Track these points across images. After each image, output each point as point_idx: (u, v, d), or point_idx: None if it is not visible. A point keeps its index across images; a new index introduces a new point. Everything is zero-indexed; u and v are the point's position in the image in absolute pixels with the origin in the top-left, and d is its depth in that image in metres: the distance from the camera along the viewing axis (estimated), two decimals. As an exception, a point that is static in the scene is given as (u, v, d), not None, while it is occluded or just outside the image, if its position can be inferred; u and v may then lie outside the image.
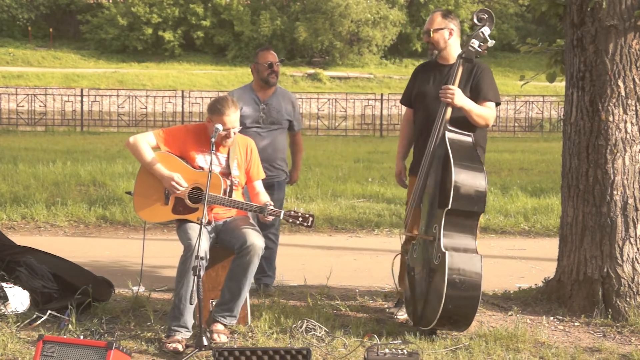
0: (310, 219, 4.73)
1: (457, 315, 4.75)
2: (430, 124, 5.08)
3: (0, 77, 35.62)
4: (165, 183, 4.87)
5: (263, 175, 5.26)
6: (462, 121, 5.02)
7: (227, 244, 4.91)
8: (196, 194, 4.88)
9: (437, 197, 4.89)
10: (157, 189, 4.95)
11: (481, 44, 4.98)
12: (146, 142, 4.98)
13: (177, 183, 4.84)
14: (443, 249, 4.73)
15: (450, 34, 5.23)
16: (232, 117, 4.88)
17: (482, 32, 4.99)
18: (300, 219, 4.73)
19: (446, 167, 4.83)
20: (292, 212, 4.74)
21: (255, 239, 4.75)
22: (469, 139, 4.98)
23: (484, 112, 5.07)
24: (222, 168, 4.98)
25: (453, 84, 4.98)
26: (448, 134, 4.91)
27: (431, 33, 5.22)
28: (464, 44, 5.07)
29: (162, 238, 8.35)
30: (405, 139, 5.59)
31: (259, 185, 5.17)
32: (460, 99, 4.95)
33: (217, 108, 4.88)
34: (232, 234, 4.86)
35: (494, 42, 4.99)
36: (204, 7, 43.73)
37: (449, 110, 4.97)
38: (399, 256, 5.36)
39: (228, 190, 4.89)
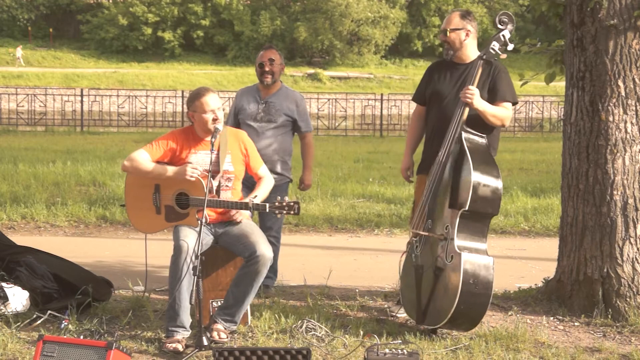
0: (296, 206, 4.70)
1: (467, 316, 4.78)
2: (444, 123, 5.07)
3: (0, 77, 35.64)
4: (182, 176, 4.80)
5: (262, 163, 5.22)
6: (477, 121, 5.02)
7: (234, 249, 4.89)
8: (183, 200, 4.87)
9: (448, 196, 4.89)
10: (146, 199, 4.94)
11: (501, 46, 5.03)
12: (141, 156, 4.89)
13: (193, 169, 4.80)
14: (457, 250, 4.74)
15: (467, 35, 5.22)
16: (211, 96, 4.88)
17: (503, 35, 5.05)
18: (286, 208, 4.70)
19: (460, 167, 4.84)
20: (277, 203, 4.72)
21: (265, 250, 4.75)
22: (484, 141, 5.01)
23: (498, 112, 5.07)
24: (211, 166, 4.94)
25: (473, 85, 4.98)
26: (464, 134, 4.92)
27: (447, 33, 5.22)
28: (484, 46, 5.08)
29: (162, 238, 8.31)
30: (415, 135, 5.57)
31: (263, 171, 5.12)
32: (478, 100, 4.96)
33: (194, 95, 4.91)
34: (240, 240, 4.83)
35: (513, 45, 5.07)
36: (204, 6, 43.74)
37: (467, 110, 4.97)
38: (406, 254, 5.34)
39: (214, 190, 4.87)
